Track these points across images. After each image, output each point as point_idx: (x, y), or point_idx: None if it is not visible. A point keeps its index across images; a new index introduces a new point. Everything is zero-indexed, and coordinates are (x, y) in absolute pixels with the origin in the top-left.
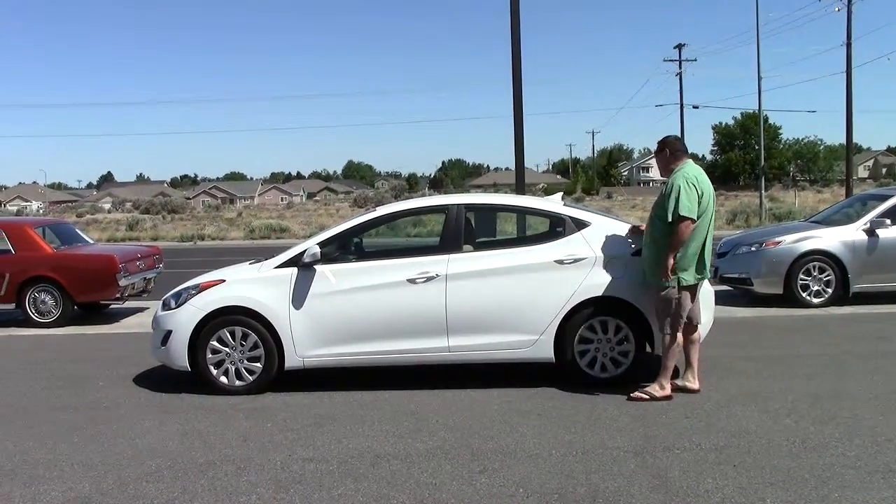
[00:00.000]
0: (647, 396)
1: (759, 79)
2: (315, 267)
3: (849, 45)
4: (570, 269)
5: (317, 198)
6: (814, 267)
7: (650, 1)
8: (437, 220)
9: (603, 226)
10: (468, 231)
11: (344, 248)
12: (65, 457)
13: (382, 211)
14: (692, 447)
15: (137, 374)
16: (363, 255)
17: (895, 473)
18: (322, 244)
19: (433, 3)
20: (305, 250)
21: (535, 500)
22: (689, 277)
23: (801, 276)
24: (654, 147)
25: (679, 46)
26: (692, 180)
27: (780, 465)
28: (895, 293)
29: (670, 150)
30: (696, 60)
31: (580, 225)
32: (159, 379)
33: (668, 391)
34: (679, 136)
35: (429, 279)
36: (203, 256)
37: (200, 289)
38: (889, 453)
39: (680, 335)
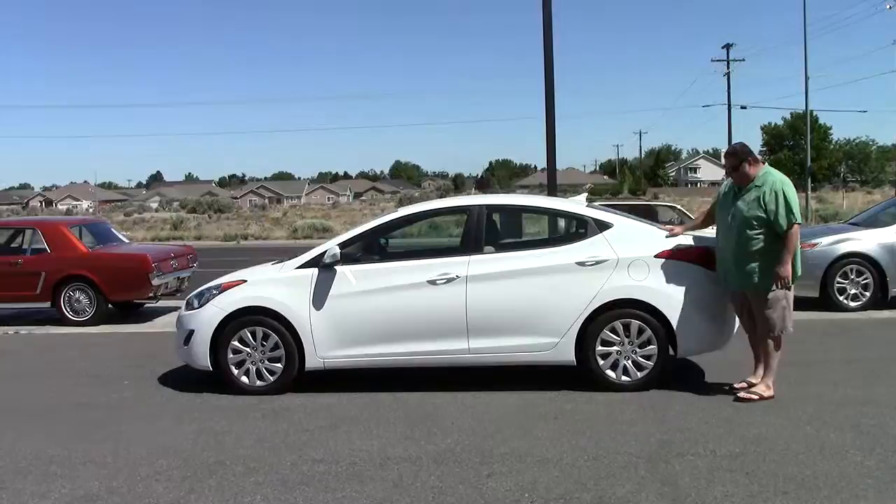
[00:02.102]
0: (755, 397)
1: (807, 78)
2: (335, 268)
3: None
4: (592, 271)
5: (363, 198)
6: (851, 270)
7: (698, 0)
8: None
9: (626, 227)
10: (490, 232)
11: (365, 249)
12: (79, 455)
13: (404, 212)
14: (706, 454)
15: (163, 374)
16: (384, 255)
17: None
18: (343, 245)
19: (481, 1)
20: (326, 251)
21: None
22: (794, 280)
23: (838, 279)
24: (702, 147)
25: (727, 46)
26: (789, 185)
27: (794, 473)
28: None
29: (752, 157)
30: (743, 60)
31: (602, 226)
32: (183, 379)
33: (772, 391)
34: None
35: (449, 280)
36: (243, 256)
37: (222, 289)
38: None
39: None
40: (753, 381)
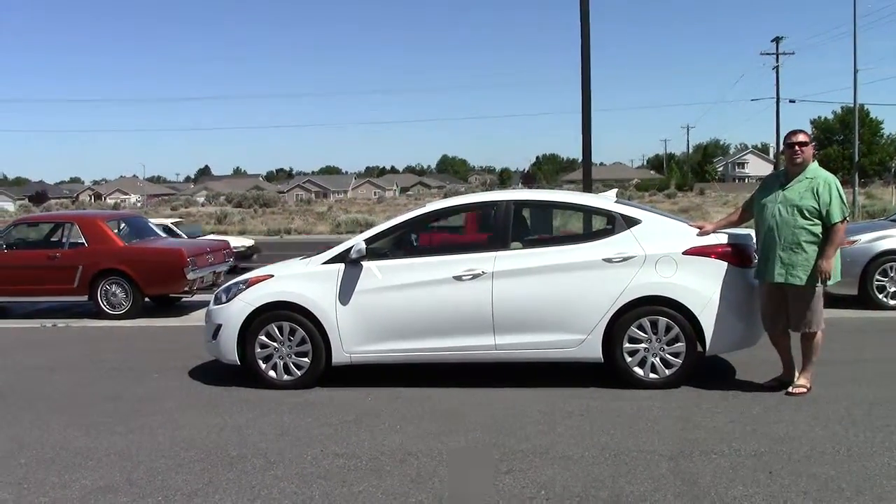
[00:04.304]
0: (804, 389)
1: (856, 71)
2: (362, 263)
3: None
4: (620, 268)
5: (409, 192)
6: (891, 268)
7: None
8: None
9: (655, 223)
10: (517, 228)
11: (392, 245)
12: (104, 446)
13: (431, 207)
14: (730, 452)
15: (193, 367)
16: (411, 251)
17: None
18: (369, 240)
19: None
20: (352, 246)
21: (555, 502)
22: (836, 277)
23: (878, 276)
24: (750, 142)
25: (776, 39)
26: (838, 182)
27: (818, 473)
28: None
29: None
30: (793, 54)
31: (630, 222)
32: (212, 372)
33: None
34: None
35: (475, 276)
36: (285, 250)
37: (249, 284)
38: None
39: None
40: (783, 378)
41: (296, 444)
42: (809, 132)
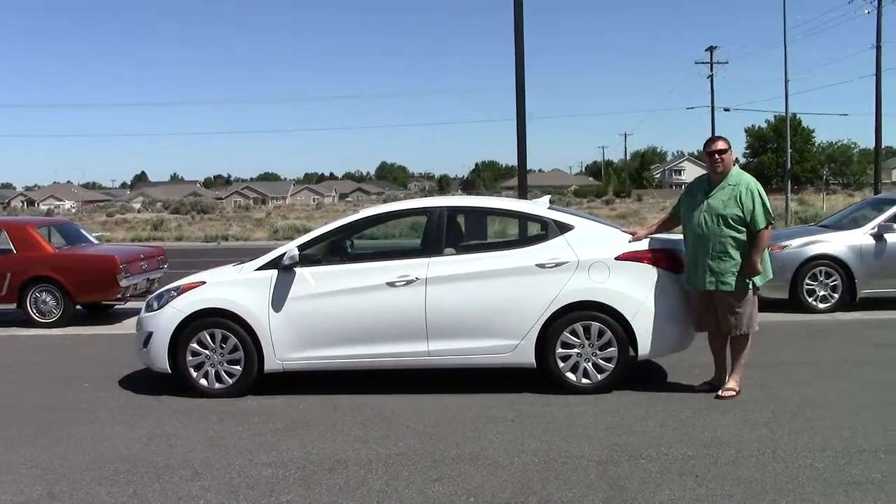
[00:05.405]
0: (734, 392)
1: (787, 81)
2: (295, 269)
3: (878, 48)
4: (553, 273)
5: (348, 199)
6: (820, 272)
7: (684, 2)
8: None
9: (587, 229)
10: (451, 234)
11: (326, 251)
12: (27, 459)
13: (364, 213)
14: (659, 457)
15: (124, 377)
16: (345, 257)
17: (859, 487)
18: (302, 247)
19: (469, 2)
20: (285, 252)
21: None
22: (763, 279)
23: (807, 280)
24: (687, 149)
25: (710, 49)
26: (761, 187)
27: (744, 476)
28: None
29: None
30: (727, 63)
31: (563, 228)
32: (144, 381)
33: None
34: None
35: (408, 282)
36: (221, 257)
37: (181, 290)
38: (858, 466)
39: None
40: (715, 382)
41: (224, 453)
42: (730, 139)
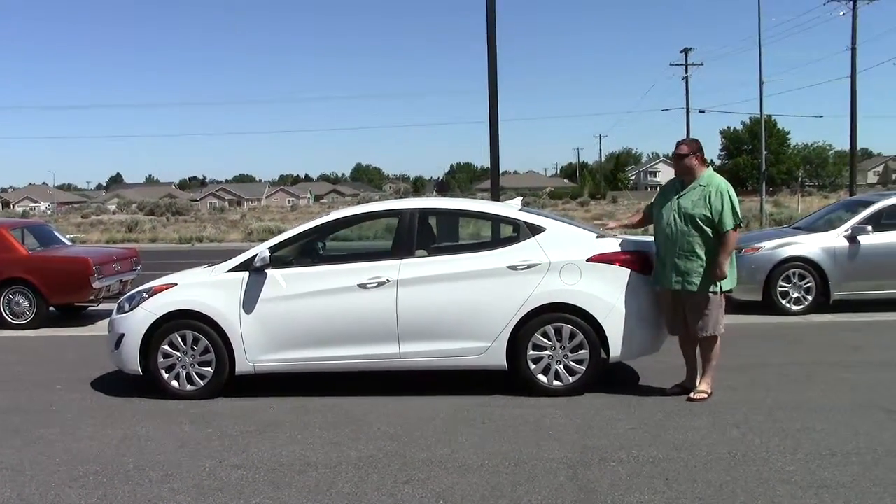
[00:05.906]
0: (705, 395)
1: (761, 83)
2: (266, 271)
3: (853, 50)
4: (524, 275)
5: (323, 200)
6: (794, 274)
7: (658, 4)
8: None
9: (559, 231)
10: (422, 236)
11: (297, 253)
12: None
13: (336, 215)
14: (629, 459)
15: (96, 378)
16: (316, 259)
17: (828, 490)
18: (273, 248)
19: (443, 4)
20: (256, 254)
21: None
22: (731, 283)
23: (781, 282)
24: (662, 151)
25: (685, 51)
26: (732, 189)
27: (714, 479)
28: (876, 301)
29: (702, 154)
30: (702, 65)
31: (535, 230)
32: (115, 383)
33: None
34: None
35: (379, 284)
36: (195, 258)
37: (152, 292)
38: (829, 468)
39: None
40: (687, 384)
41: (194, 455)
42: (705, 141)
